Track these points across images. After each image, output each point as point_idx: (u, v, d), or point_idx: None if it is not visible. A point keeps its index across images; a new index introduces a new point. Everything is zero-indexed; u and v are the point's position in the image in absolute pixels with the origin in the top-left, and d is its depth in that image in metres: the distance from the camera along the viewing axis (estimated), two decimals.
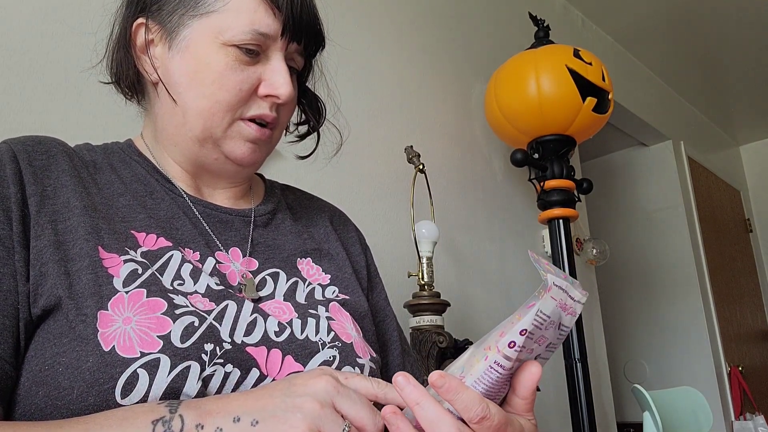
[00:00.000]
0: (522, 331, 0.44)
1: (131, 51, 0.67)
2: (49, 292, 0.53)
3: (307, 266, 0.71)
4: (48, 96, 1.04)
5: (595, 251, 2.35)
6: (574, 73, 1.72)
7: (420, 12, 1.91)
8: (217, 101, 0.62)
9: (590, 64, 1.76)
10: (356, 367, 0.62)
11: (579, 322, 1.79)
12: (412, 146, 1.55)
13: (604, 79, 1.77)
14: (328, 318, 0.64)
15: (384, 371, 0.76)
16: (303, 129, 0.79)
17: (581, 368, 1.75)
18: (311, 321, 0.63)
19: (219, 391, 0.53)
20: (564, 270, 1.83)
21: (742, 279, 3.81)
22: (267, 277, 0.66)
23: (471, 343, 1.49)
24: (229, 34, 0.61)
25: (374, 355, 0.67)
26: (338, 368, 0.60)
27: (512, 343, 0.44)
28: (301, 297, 0.67)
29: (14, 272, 0.53)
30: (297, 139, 0.79)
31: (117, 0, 0.69)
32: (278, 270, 0.68)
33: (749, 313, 3.77)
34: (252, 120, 0.65)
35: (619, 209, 3.53)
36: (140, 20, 0.65)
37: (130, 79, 0.69)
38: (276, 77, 0.64)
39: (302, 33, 0.65)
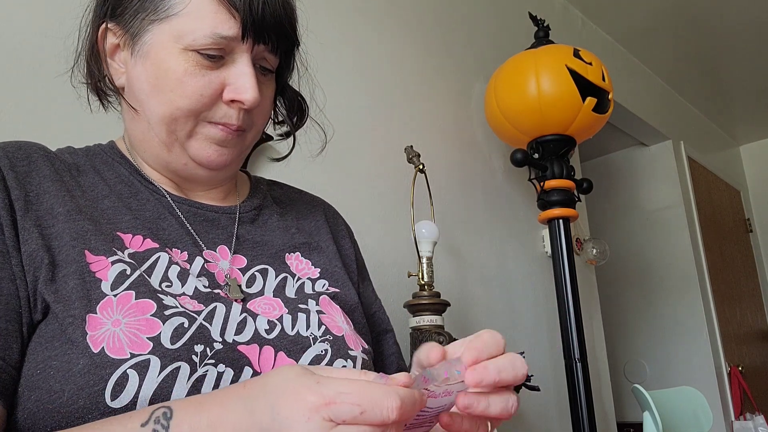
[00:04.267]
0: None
1: (99, 56, 0.65)
2: (41, 297, 0.53)
3: (296, 261, 0.71)
4: (47, 97, 1.04)
5: (595, 251, 2.35)
6: (574, 73, 1.72)
7: (420, 12, 1.91)
8: (178, 108, 0.60)
9: (590, 64, 1.76)
10: (349, 359, 0.62)
11: (579, 322, 1.79)
12: (412, 146, 1.55)
13: (604, 79, 1.77)
14: (319, 312, 0.64)
15: (379, 360, 0.76)
16: (285, 127, 0.77)
17: (581, 368, 1.75)
18: (301, 316, 0.63)
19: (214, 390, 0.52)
20: (564, 270, 1.83)
21: (742, 279, 3.81)
22: (256, 274, 0.66)
23: None
24: (189, 39, 0.59)
25: (366, 347, 0.67)
26: (330, 361, 0.60)
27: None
28: (291, 292, 0.66)
29: (13, 276, 0.53)
30: (280, 137, 0.77)
31: (85, 3, 0.67)
32: (267, 266, 0.67)
33: (749, 313, 3.77)
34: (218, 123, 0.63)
35: (619, 209, 3.53)
36: (105, 25, 0.64)
37: (95, 83, 0.68)
38: (240, 81, 0.61)
39: (267, 33, 0.62)
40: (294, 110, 0.75)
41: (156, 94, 0.61)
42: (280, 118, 0.76)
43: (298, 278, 0.69)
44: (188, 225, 0.65)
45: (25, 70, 1.02)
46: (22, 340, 0.52)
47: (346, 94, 1.59)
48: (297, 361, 0.59)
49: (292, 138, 0.77)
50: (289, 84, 0.74)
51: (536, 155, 1.84)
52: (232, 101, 0.62)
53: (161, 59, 0.60)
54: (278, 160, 0.79)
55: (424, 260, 1.43)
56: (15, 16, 1.03)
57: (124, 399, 0.48)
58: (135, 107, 0.63)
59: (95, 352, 0.50)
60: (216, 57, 0.60)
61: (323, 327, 0.63)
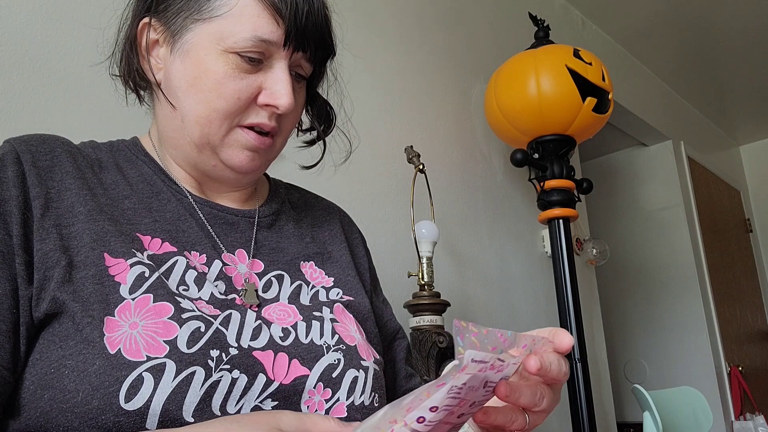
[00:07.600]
0: (432, 408, 0.40)
1: (137, 50, 0.66)
2: (53, 296, 0.53)
3: (310, 269, 0.71)
4: (49, 96, 1.04)
5: (595, 251, 2.35)
6: (574, 73, 1.72)
7: (420, 12, 1.91)
8: (214, 109, 0.61)
9: (590, 64, 1.76)
10: (361, 370, 0.62)
11: (579, 322, 1.79)
12: (412, 146, 1.55)
13: (604, 79, 1.78)
14: (332, 320, 0.64)
15: (390, 368, 0.76)
16: (311, 135, 0.77)
17: (581, 368, 1.75)
18: (315, 324, 0.63)
19: (226, 397, 0.52)
20: (564, 270, 1.82)
21: (742, 279, 3.81)
22: (272, 279, 0.66)
23: None
24: (231, 41, 0.60)
25: (378, 357, 0.67)
26: (343, 371, 0.60)
27: (421, 419, 0.40)
28: (305, 299, 0.67)
29: (12, 276, 0.53)
30: (305, 144, 0.78)
31: None
32: (283, 272, 0.68)
33: (749, 313, 3.77)
34: (251, 128, 0.64)
35: (619, 209, 3.53)
36: (146, 19, 0.64)
37: (133, 77, 0.68)
38: (276, 87, 0.62)
39: (307, 41, 0.63)
40: (322, 119, 0.76)
41: (193, 93, 0.62)
42: (305, 126, 0.76)
43: (312, 286, 0.69)
44: (209, 227, 0.66)
45: (29, 69, 1.02)
46: (17, 340, 0.52)
47: (346, 94, 1.59)
48: (310, 369, 0.58)
49: (308, 147, 0.77)
50: (319, 92, 0.75)
51: (536, 155, 1.84)
52: (267, 105, 0.63)
53: (201, 59, 0.61)
54: (309, 167, 0.79)
55: (424, 260, 1.43)
56: (35, 11, 1.03)
57: (138, 402, 0.48)
58: (173, 103, 0.64)
59: (112, 353, 0.50)
60: (255, 60, 0.61)
61: (336, 336, 0.63)
